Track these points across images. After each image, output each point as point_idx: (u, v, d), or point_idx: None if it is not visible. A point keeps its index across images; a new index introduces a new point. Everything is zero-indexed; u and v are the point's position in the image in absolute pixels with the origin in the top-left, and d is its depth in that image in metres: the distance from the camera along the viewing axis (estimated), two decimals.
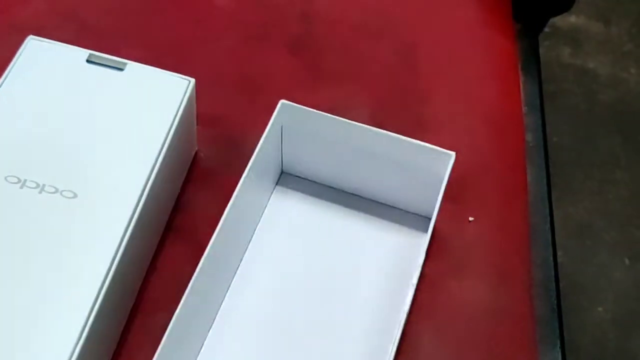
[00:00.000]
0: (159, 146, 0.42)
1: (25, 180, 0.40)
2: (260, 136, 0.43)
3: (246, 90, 0.53)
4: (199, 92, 0.47)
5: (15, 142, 0.41)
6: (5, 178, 0.40)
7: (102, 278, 0.38)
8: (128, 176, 0.41)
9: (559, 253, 0.51)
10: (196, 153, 0.50)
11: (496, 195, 0.51)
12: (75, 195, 0.40)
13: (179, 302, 0.38)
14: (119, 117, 0.43)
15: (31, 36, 0.45)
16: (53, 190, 0.40)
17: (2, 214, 0.39)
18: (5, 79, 0.43)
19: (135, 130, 0.43)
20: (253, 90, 0.53)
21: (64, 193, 0.40)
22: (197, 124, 0.51)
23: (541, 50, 0.65)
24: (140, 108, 0.43)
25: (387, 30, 0.57)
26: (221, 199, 0.49)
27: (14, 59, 0.44)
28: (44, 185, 0.40)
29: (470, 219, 0.48)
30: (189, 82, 0.45)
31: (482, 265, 0.47)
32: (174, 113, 0.43)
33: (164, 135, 0.43)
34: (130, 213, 0.40)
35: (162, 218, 0.46)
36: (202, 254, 0.44)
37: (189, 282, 0.43)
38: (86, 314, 0.37)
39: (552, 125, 1.04)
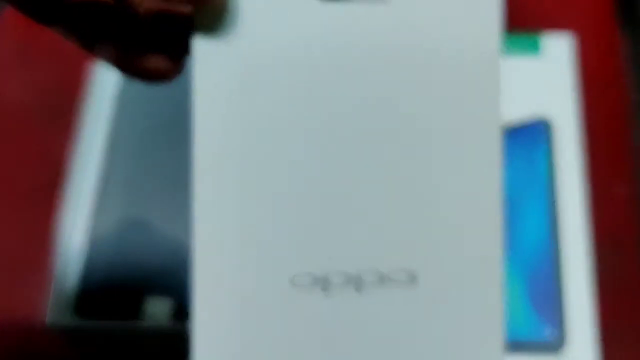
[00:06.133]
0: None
1: (325, 277, 0.23)
2: None
3: None
4: None
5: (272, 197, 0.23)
6: (292, 281, 0.23)
7: None
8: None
9: None
10: None
11: (602, 158, 0.50)
12: (414, 279, 0.24)
13: None
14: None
15: None
16: (375, 278, 0.24)
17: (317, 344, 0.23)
18: None
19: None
20: None
21: (394, 277, 0.24)
22: None
23: None
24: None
25: None
26: None
27: None
28: (358, 275, 0.23)
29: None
30: None
31: (591, 234, 0.46)
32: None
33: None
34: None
35: None
36: None
37: None
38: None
39: None
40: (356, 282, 0.23)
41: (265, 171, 0.23)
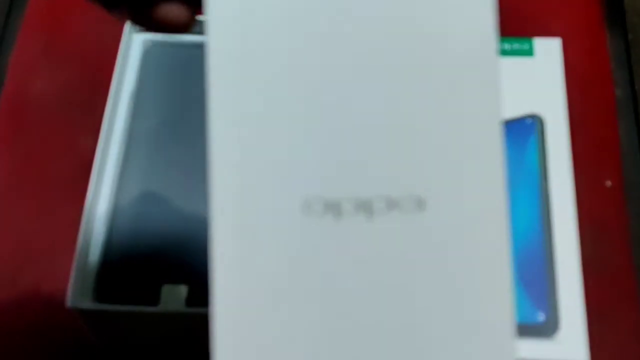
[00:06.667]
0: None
1: (337, 203, 0.23)
2: None
3: None
4: None
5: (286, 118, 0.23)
6: (303, 209, 0.23)
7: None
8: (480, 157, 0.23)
9: None
10: None
11: (590, 150, 0.52)
12: (421, 205, 0.23)
13: None
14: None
15: None
16: (384, 204, 0.23)
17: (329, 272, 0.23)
18: None
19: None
20: None
21: (403, 203, 0.23)
22: None
23: None
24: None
25: None
26: None
27: None
28: (368, 201, 0.23)
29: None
30: None
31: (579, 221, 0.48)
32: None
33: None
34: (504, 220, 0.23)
35: None
36: None
37: None
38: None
39: None
40: (366, 209, 0.23)
41: (279, 98, 0.23)
